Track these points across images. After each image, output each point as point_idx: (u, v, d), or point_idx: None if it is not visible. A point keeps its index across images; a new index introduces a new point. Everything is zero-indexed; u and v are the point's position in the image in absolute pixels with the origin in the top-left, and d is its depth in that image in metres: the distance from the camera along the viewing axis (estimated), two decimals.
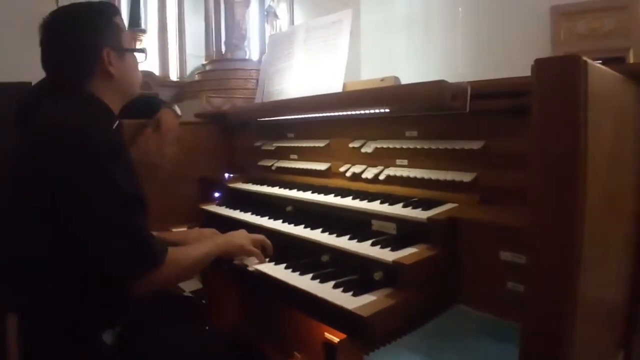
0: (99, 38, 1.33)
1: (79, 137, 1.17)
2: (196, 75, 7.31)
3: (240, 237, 1.55)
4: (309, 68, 1.92)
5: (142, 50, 1.47)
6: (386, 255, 1.25)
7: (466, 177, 1.42)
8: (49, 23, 1.31)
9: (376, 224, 1.47)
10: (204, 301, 2.49)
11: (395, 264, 1.19)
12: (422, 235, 1.33)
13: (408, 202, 1.43)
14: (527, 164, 0.98)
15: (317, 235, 1.49)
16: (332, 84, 1.78)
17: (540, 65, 0.83)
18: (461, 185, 1.43)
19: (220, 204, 2.18)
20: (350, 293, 1.20)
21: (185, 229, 2.12)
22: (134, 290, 1.22)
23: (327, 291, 1.23)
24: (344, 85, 1.77)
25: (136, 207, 1.20)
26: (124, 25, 1.43)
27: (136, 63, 1.45)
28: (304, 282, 1.31)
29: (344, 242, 1.39)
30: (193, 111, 2.81)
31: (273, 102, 2.07)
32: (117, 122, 1.43)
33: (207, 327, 1.90)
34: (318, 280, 1.31)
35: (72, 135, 1.17)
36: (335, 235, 1.46)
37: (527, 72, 0.90)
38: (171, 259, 1.27)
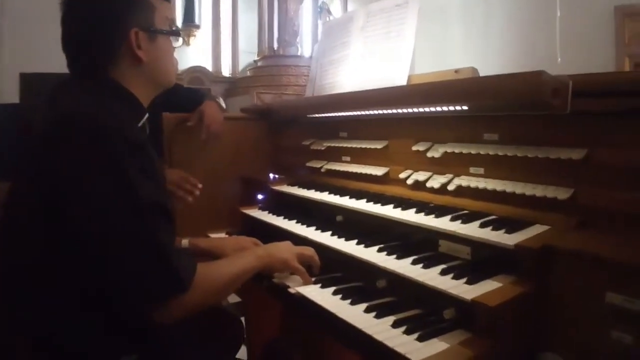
0: (125, 16, 1.13)
1: (89, 130, 0.98)
2: (248, 71, 7.28)
3: (284, 250, 1.33)
4: (367, 58, 1.68)
5: (177, 33, 1.27)
6: (462, 289, 0.99)
7: (561, 193, 1.13)
8: None
9: (445, 246, 1.21)
10: (240, 317, 2.31)
11: (476, 304, 0.93)
12: (503, 263, 1.07)
13: (486, 221, 1.16)
14: None
15: (372, 255, 1.25)
16: (395, 77, 1.53)
17: None
18: (554, 204, 1.14)
19: (262, 209, 1.97)
20: (415, 336, 0.95)
21: (224, 234, 1.94)
22: (156, 318, 1.02)
23: (385, 331, 0.99)
24: (409, 79, 1.52)
25: (157, 217, 1.00)
26: (164, 3, 1.24)
27: (171, 47, 1.25)
28: (356, 315, 1.08)
29: (406, 267, 1.14)
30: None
31: (324, 97, 1.84)
32: (146, 115, 1.24)
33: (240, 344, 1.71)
34: (373, 314, 1.07)
35: (82, 128, 0.98)
36: (394, 256, 1.21)
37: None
38: (201, 279, 1.06)
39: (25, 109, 2.95)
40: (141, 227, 0.97)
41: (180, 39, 1.28)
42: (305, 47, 7.22)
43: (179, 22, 6.96)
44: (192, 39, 7.16)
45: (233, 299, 2.83)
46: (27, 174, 1.05)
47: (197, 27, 7.19)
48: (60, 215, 0.97)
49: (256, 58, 7.33)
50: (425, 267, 1.13)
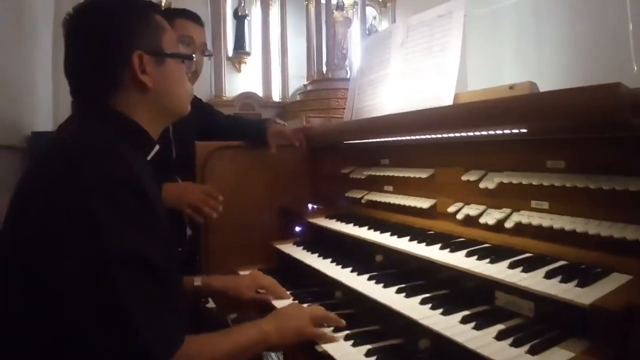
0: (127, 38, 1.01)
1: (66, 165, 0.87)
2: (297, 96, 7.28)
3: (295, 317, 1.16)
4: (408, 77, 1.50)
5: (188, 57, 1.13)
6: None
7: None
8: (70, 19, 1.03)
9: (502, 299, 1.00)
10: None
11: None
12: (573, 322, 0.85)
13: (553, 270, 0.94)
14: None
15: (414, 308, 1.05)
16: (440, 96, 1.34)
17: None
18: (634, 247, 0.91)
19: (298, 244, 1.81)
20: None
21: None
22: None
23: None
24: (456, 97, 1.33)
25: (126, 273, 0.83)
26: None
27: (182, 72, 1.12)
28: None
29: (454, 328, 0.93)
30: None
31: (360, 121, 1.67)
32: (156, 147, 1.11)
33: None
34: None
35: (61, 164, 0.87)
36: (440, 311, 1.01)
37: None
38: (184, 356, 0.87)
39: None
40: (100, 285, 0.81)
41: (194, 64, 1.15)
42: (355, 70, 7.13)
43: (229, 50, 7.05)
44: (242, 66, 7.25)
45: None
46: (13, 211, 0.93)
47: (248, 54, 7.28)
48: (32, 264, 0.84)
49: (305, 82, 7.32)
50: (477, 327, 0.92)
